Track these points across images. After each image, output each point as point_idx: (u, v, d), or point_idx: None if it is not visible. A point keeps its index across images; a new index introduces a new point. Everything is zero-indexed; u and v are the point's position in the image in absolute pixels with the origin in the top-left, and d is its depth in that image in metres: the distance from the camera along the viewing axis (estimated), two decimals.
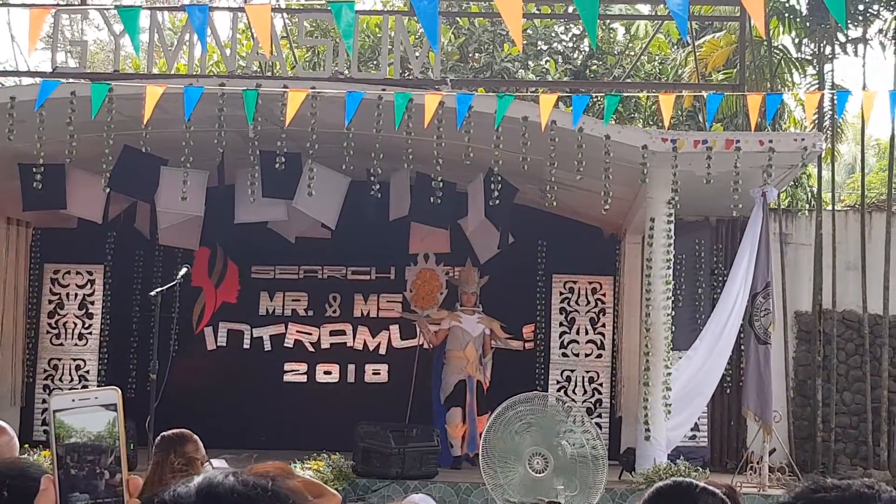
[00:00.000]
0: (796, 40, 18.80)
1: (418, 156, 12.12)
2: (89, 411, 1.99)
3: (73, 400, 2.01)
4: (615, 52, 23.04)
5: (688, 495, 2.75)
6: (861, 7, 16.86)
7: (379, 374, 16.42)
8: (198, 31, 8.82)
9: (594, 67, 22.43)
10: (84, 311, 16.21)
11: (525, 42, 20.85)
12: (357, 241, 15.28)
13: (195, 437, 5.90)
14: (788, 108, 20.16)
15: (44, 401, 16.00)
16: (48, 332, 16.17)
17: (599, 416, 15.41)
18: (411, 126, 11.53)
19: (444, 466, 13.35)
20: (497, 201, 12.45)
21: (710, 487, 2.77)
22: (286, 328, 16.54)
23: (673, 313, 12.70)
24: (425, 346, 15.00)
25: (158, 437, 4.97)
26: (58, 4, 12.93)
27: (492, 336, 14.68)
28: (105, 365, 16.11)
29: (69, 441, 1.97)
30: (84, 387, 15.97)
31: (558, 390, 15.45)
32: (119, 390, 2.02)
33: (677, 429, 12.54)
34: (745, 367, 13.35)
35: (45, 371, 16.11)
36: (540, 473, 10.99)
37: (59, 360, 16.10)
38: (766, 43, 17.63)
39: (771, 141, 12.20)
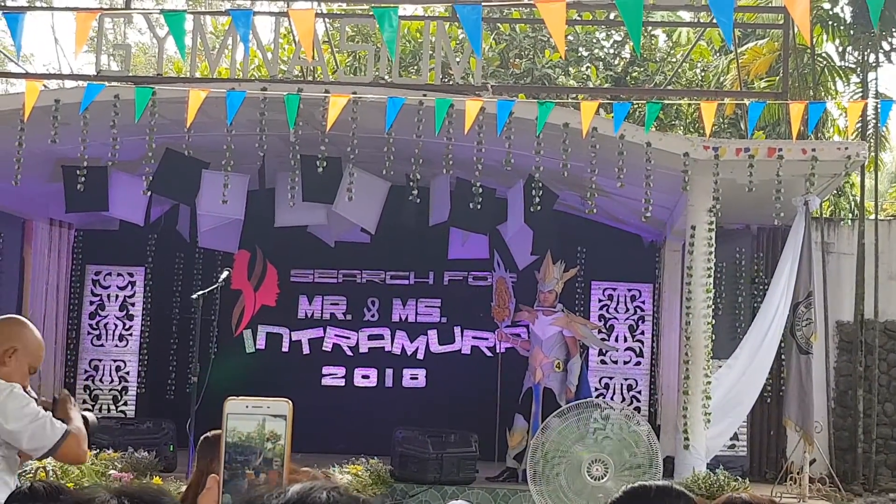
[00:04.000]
0: (840, 48, 18.67)
1: (458, 161, 12.11)
2: (249, 417, 2.02)
3: (247, 406, 2.04)
4: (656, 58, 22.95)
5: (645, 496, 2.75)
6: None
7: (417, 378, 16.43)
8: (241, 36, 8.86)
9: (635, 74, 22.35)
10: (125, 312, 16.34)
11: (566, 48, 20.81)
12: (396, 245, 15.30)
13: None
14: (832, 117, 20.03)
15: (84, 401, 16.14)
16: (89, 333, 16.31)
17: (637, 423, 15.33)
18: (452, 131, 11.52)
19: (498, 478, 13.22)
20: (538, 207, 12.42)
21: (678, 488, 2.76)
22: (325, 332, 16.58)
23: (713, 321, 12.61)
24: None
25: (202, 439, 4.94)
26: (102, 8, 13.02)
27: (575, 337, 13.81)
28: (145, 366, 16.24)
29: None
30: (124, 388, 16.12)
31: (597, 397, 15.38)
32: (290, 402, 2.03)
33: (717, 438, 12.46)
34: (785, 376, 13.26)
35: (86, 372, 16.25)
36: (599, 480, 10.95)
37: (100, 360, 16.23)
38: (809, 51, 17.52)
39: (814, 149, 12.10)
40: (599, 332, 15.33)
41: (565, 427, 11.06)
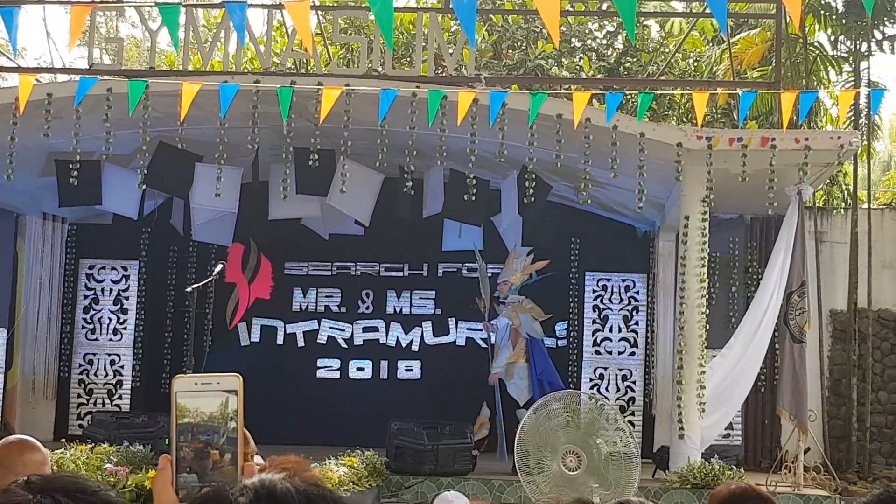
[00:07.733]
0: (832, 38, 18.67)
1: (452, 153, 12.12)
2: (208, 395, 2.01)
3: (196, 384, 2.03)
4: (649, 49, 22.94)
5: None
6: None
7: (412, 370, 16.44)
8: (237, 28, 8.85)
9: (628, 64, 22.33)
10: (119, 306, 16.33)
11: (559, 39, 20.75)
12: (390, 237, 15.29)
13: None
14: (824, 106, 20.04)
15: (79, 395, 16.15)
16: (83, 327, 16.30)
17: (633, 413, 15.38)
18: (445, 123, 11.53)
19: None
20: (532, 198, 12.43)
21: None
22: (319, 324, 16.58)
23: (707, 311, 12.64)
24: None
25: None
26: (95, 2, 12.98)
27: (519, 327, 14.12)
28: (140, 360, 16.22)
29: (182, 421, 2.00)
30: (118, 382, 16.11)
31: (591, 388, 15.43)
32: (240, 377, 2.02)
33: (712, 427, 12.49)
34: (779, 365, 13.28)
35: (81, 366, 16.23)
36: (573, 472, 10.98)
37: (94, 354, 16.23)
38: (801, 40, 17.52)
39: (807, 139, 12.13)
40: (594, 322, 15.15)
41: (545, 417, 11.10)
